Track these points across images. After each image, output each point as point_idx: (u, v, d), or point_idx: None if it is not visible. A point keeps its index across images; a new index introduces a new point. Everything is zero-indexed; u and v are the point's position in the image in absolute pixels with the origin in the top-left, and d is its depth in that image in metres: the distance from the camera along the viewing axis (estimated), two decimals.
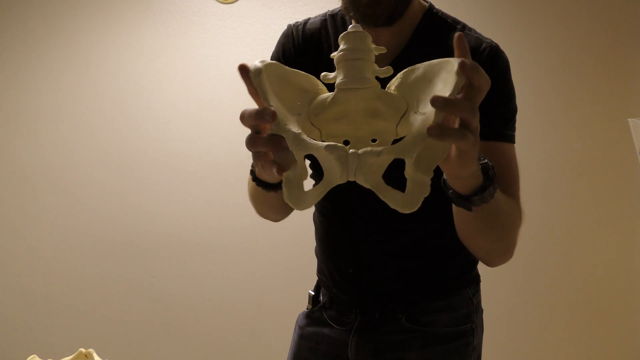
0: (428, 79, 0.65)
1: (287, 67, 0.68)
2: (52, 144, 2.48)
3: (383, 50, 0.68)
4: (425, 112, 0.62)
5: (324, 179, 0.62)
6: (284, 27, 1.11)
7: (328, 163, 0.61)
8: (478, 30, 1.01)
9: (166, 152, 2.46)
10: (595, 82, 2.33)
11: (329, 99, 0.68)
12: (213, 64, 2.43)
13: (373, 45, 0.67)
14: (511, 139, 0.97)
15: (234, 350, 2.46)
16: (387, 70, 0.67)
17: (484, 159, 0.77)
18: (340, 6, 0.98)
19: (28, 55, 2.49)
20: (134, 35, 2.46)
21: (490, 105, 0.93)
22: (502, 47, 0.98)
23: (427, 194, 0.61)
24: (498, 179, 0.78)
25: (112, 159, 2.47)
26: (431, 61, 0.65)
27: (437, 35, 0.99)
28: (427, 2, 1.04)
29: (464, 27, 1.00)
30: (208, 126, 2.43)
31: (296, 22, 1.11)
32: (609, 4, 2.33)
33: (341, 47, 0.67)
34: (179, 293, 2.47)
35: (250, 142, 0.65)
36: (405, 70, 0.68)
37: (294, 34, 1.09)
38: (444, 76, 0.62)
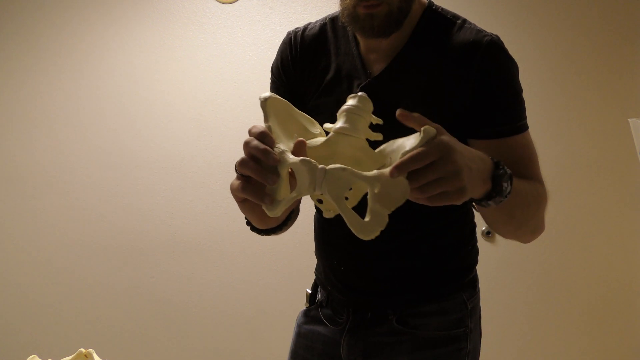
0: (404, 146, 0.73)
1: (295, 108, 0.81)
2: (52, 145, 2.48)
3: (380, 137, 0.79)
4: None
5: (296, 188, 0.70)
6: (283, 27, 1.11)
7: (300, 174, 0.69)
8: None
9: (166, 152, 2.46)
10: (595, 82, 2.33)
11: (324, 139, 0.79)
12: (213, 64, 2.43)
13: (372, 119, 0.79)
14: (525, 128, 0.98)
15: (234, 350, 2.46)
16: (377, 136, 0.79)
17: (501, 168, 0.79)
18: (340, 17, 0.99)
19: (25, 54, 2.49)
20: (134, 35, 2.46)
21: (497, 101, 0.94)
22: None
23: (383, 227, 0.68)
24: (511, 189, 0.81)
25: (112, 159, 2.47)
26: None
27: (436, 33, 0.99)
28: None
29: (464, 22, 0.99)
30: (208, 126, 2.43)
31: (296, 29, 1.11)
32: (610, 4, 2.33)
33: (348, 102, 0.79)
34: (179, 293, 2.47)
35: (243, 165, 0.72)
36: (388, 142, 0.78)
37: (292, 41, 1.09)
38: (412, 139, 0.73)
